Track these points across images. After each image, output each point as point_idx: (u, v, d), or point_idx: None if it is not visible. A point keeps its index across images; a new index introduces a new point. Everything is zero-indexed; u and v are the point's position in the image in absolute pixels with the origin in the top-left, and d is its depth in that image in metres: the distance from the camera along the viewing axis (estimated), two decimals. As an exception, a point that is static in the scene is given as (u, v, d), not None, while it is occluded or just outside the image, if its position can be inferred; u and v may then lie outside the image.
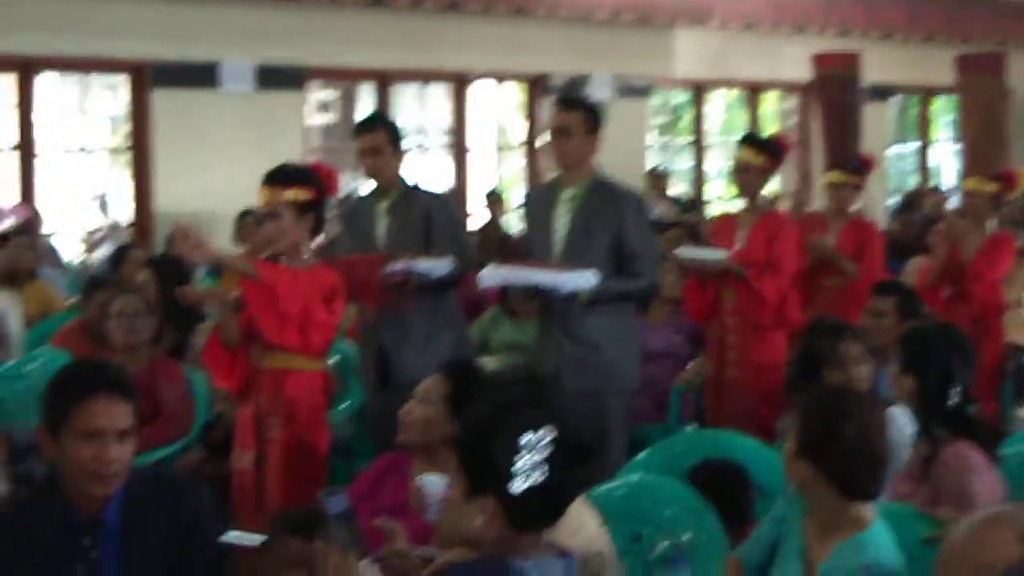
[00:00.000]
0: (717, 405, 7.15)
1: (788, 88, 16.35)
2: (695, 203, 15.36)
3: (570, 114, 6.35)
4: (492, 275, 6.28)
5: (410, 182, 6.84)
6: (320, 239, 6.46)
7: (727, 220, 7.78)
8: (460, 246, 6.71)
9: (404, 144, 6.93)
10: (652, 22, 14.43)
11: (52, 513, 3.63)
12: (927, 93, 18.14)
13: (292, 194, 5.54)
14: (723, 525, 4.57)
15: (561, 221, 6.33)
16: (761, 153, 7.39)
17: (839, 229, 8.18)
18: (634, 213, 6.36)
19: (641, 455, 5.37)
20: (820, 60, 10.70)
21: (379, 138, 6.64)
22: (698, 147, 16.25)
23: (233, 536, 3.74)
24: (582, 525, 3.83)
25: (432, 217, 6.62)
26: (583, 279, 5.96)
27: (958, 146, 14.59)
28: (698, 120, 16.12)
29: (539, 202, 6.64)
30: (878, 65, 15.13)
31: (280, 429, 5.46)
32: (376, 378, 6.66)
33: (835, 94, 10.26)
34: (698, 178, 16.38)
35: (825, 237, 8.10)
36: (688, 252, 7.59)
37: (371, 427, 6.84)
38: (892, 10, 16.41)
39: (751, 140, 7.72)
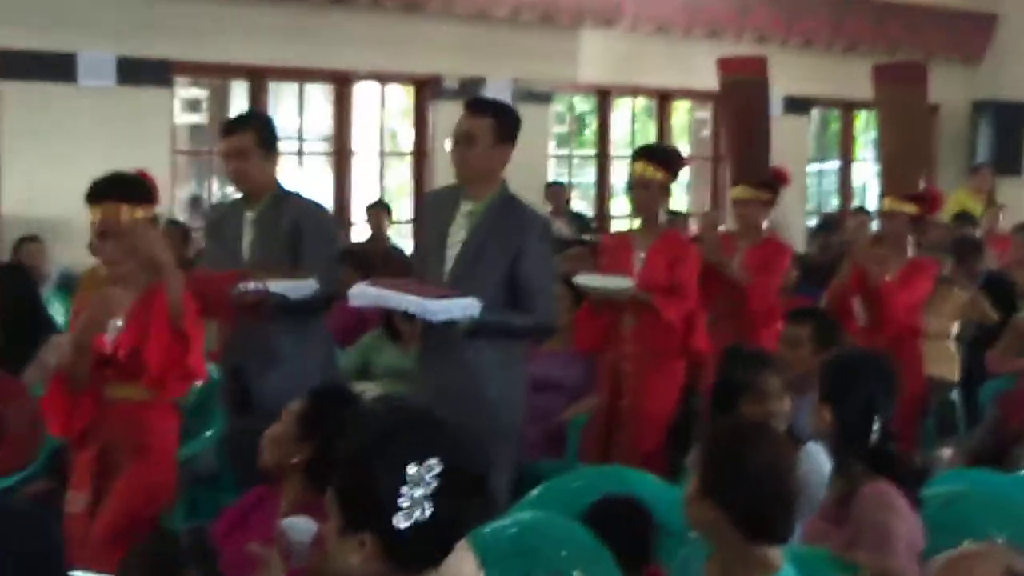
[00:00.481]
0: (610, 439, 7.13)
1: (701, 97, 16.41)
2: (599, 220, 15.42)
3: (478, 120, 6.16)
4: (361, 294, 6.14)
5: (286, 188, 6.72)
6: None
7: (620, 240, 7.83)
8: (327, 266, 6.57)
9: (277, 147, 6.77)
10: (556, 22, 14.51)
11: None
12: (849, 107, 18.35)
13: (143, 212, 5.50)
14: (622, 567, 4.60)
15: (456, 237, 6.15)
16: (660, 166, 7.33)
17: (745, 249, 8.10)
18: (537, 241, 6.19)
19: (534, 492, 5.38)
20: (725, 65, 10.69)
21: (247, 139, 6.49)
22: (603, 159, 16.17)
23: None
24: (459, 569, 3.82)
25: (302, 230, 6.48)
26: (462, 308, 5.82)
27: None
28: (603, 129, 16.13)
29: (436, 213, 6.47)
30: (797, 76, 15.32)
31: (127, 466, 5.39)
32: (233, 403, 6.60)
33: (742, 101, 10.28)
34: (602, 193, 16.29)
35: (731, 258, 8.01)
36: (590, 280, 7.52)
37: (230, 456, 6.73)
38: (812, 18, 16.63)
39: (648, 152, 7.71)
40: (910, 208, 8.71)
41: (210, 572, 3.32)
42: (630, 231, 7.72)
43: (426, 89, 14.07)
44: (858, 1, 17.40)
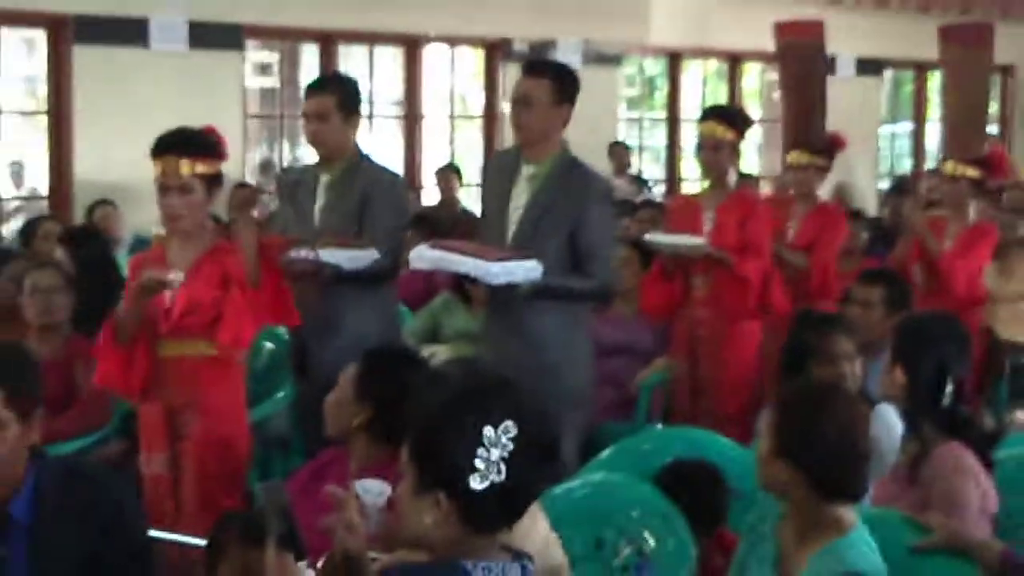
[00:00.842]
0: (688, 405, 7.09)
1: (772, 59, 16.28)
2: (670, 184, 15.40)
3: (536, 81, 6.08)
4: (420, 257, 5.95)
5: (363, 154, 6.60)
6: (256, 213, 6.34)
7: (687, 202, 7.79)
8: (391, 236, 6.43)
9: (359, 111, 6.64)
10: (624, -15, 14.48)
11: None
12: (921, 68, 18.15)
13: (204, 167, 5.46)
14: (693, 530, 4.59)
15: (518, 201, 6.07)
16: (729, 126, 7.26)
17: (802, 215, 8.05)
18: (599, 204, 6.11)
19: (605, 453, 5.36)
20: (782, 29, 10.67)
21: (328, 102, 6.36)
22: (673, 122, 16.21)
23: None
24: (530, 529, 3.82)
25: (371, 197, 6.37)
26: (523, 270, 5.69)
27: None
28: (674, 92, 16.13)
29: (498, 175, 6.38)
30: (869, 37, 15.22)
31: (194, 426, 5.35)
32: (296, 368, 6.59)
33: (799, 66, 10.25)
34: (673, 156, 16.32)
35: (787, 224, 7.99)
36: (661, 238, 7.39)
37: (297, 420, 6.76)
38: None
39: (717, 112, 7.62)
40: (972, 172, 8.53)
41: (291, 528, 3.31)
42: (699, 193, 7.63)
43: (496, 52, 14.08)
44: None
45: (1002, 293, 8.95)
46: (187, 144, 5.48)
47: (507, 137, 13.58)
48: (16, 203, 11.96)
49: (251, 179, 12.67)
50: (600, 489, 4.80)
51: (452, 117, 14.74)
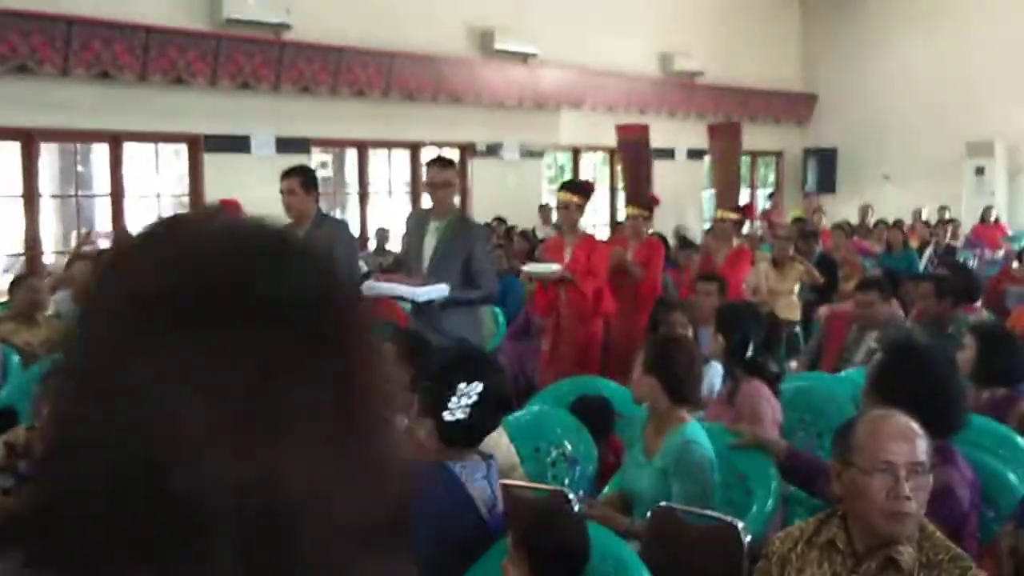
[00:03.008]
0: (553, 369, 6.97)
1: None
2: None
3: (448, 171, 6.13)
4: (370, 287, 5.93)
5: (323, 213, 6.52)
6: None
7: (556, 241, 7.75)
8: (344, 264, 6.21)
9: (316, 188, 6.50)
10: (545, 106, 14.45)
11: None
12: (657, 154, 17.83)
13: None
14: (593, 438, 4.61)
15: (429, 245, 6.04)
16: (575, 194, 7.27)
17: (635, 246, 8.02)
18: (479, 242, 6.15)
19: (539, 393, 5.41)
20: (621, 129, 10.80)
21: (294, 182, 6.28)
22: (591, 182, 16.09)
23: None
24: (498, 443, 3.83)
25: (333, 244, 6.07)
26: (437, 291, 5.74)
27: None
28: (575, 172, 15.97)
29: (415, 227, 6.29)
30: (691, 136, 15.24)
31: None
32: None
33: (632, 151, 10.39)
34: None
35: (625, 251, 7.96)
36: (533, 267, 7.60)
37: None
38: (677, 95, 16.60)
39: (567, 185, 7.58)
40: (734, 216, 9.03)
41: None
42: (562, 237, 7.60)
43: (467, 151, 14.01)
44: (690, 86, 17.30)
45: (778, 289, 9.04)
46: None
47: (474, 203, 13.61)
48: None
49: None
50: (537, 416, 4.80)
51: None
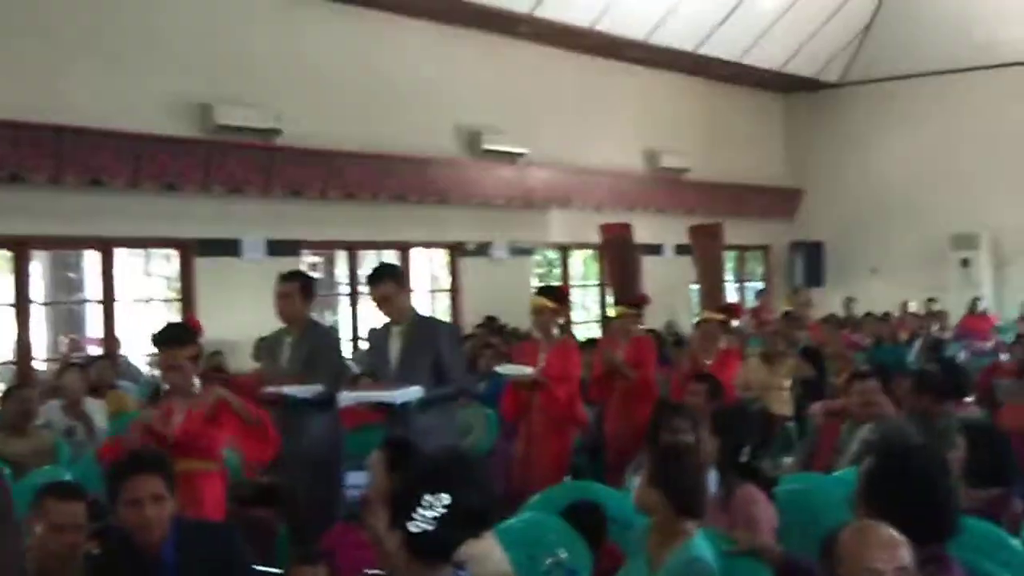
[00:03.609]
0: (523, 475, 6.87)
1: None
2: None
3: (386, 284, 6.06)
4: (346, 397, 5.96)
5: (314, 320, 6.49)
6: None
7: (529, 345, 7.55)
8: (330, 376, 6.19)
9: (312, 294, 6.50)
10: (533, 205, 14.60)
11: (127, 554, 3.61)
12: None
13: (189, 351, 5.31)
14: (588, 544, 4.57)
15: (394, 350, 6.02)
16: (551, 300, 7.22)
17: (624, 345, 7.95)
18: (447, 338, 6.13)
19: (532, 500, 5.35)
20: (605, 228, 10.86)
21: (291, 287, 6.28)
22: (566, 288, 16.13)
23: None
24: (489, 553, 3.80)
25: (319, 351, 6.24)
26: (412, 393, 5.74)
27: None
28: (565, 269, 16.09)
29: (377, 338, 6.34)
30: (678, 232, 15.38)
31: None
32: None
33: (618, 249, 10.40)
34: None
35: (616, 351, 7.91)
36: (506, 369, 7.38)
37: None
38: (664, 192, 16.74)
39: (543, 290, 7.51)
40: (719, 316, 8.91)
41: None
42: (535, 340, 7.43)
43: (456, 250, 14.11)
44: (677, 182, 17.46)
45: (770, 384, 9.02)
46: (179, 338, 5.36)
47: (465, 303, 13.67)
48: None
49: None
50: (530, 523, 4.76)
51: (432, 291, 14.66)
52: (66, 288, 11.67)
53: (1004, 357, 10.35)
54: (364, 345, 12.65)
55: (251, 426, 5.16)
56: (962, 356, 11.32)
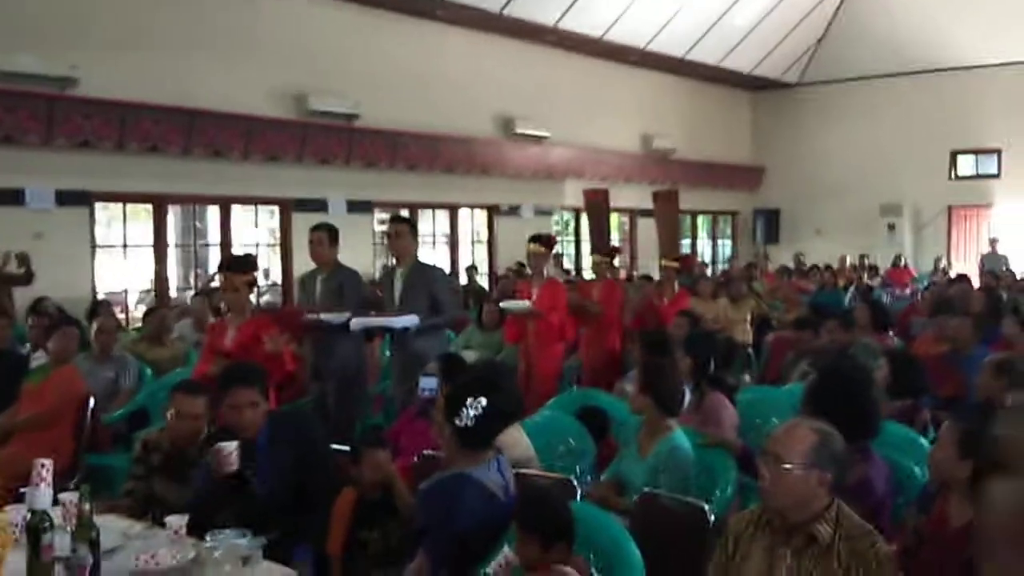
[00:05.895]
0: (526, 387, 6.64)
1: (626, 212, 16.32)
2: (568, 270, 15.38)
3: (401, 225, 5.97)
4: (356, 322, 5.73)
5: (339, 263, 6.10)
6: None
7: (524, 284, 7.37)
8: (355, 305, 5.90)
9: (336, 240, 6.14)
10: (553, 176, 14.50)
11: (230, 438, 3.47)
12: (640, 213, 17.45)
13: (246, 278, 5.18)
14: (592, 438, 4.59)
15: (398, 287, 5.87)
16: (542, 245, 7.03)
17: (599, 287, 7.70)
18: (440, 280, 5.96)
19: (550, 402, 5.36)
20: (587, 193, 10.77)
21: (322, 235, 6.03)
22: (577, 242, 16.07)
23: None
24: (518, 440, 3.83)
25: (345, 287, 5.96)
26: (410, 320, 5.62)
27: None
28: (577, 228, 16.00)
29: (386, 276, 6.23)
30: (641, 198, 15.30)
31: None
32: (314, 374, 6.15)
33: (596, 210, 10.38)
34: (578, 255, 16.14)
35: (588, 296, 7.66)
36: (508, 303, 7.20)
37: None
38: (656, 168, 16.58)
39: (534, 238, 7.18)
40: (675, 264, 8.80)
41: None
42: (531, 278, 7.23)
43: (493, 211, 14.07)
44: (666, 160, 17.30)
45: (735, 318, 9.00)
46: (238, 266, 5.24)
47: (500, 252, 13.64)
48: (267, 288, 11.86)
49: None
50: (549, 419, 4.77)
51: (473, 242, 14.62)
52: (193, 235, 11.72)
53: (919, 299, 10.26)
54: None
55: (272, 354, 4.98)
56: (886, 299, 11.23)
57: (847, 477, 2.59)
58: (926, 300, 9.65)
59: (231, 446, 3.37)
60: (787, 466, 2.42)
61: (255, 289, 5.33)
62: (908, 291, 13.31)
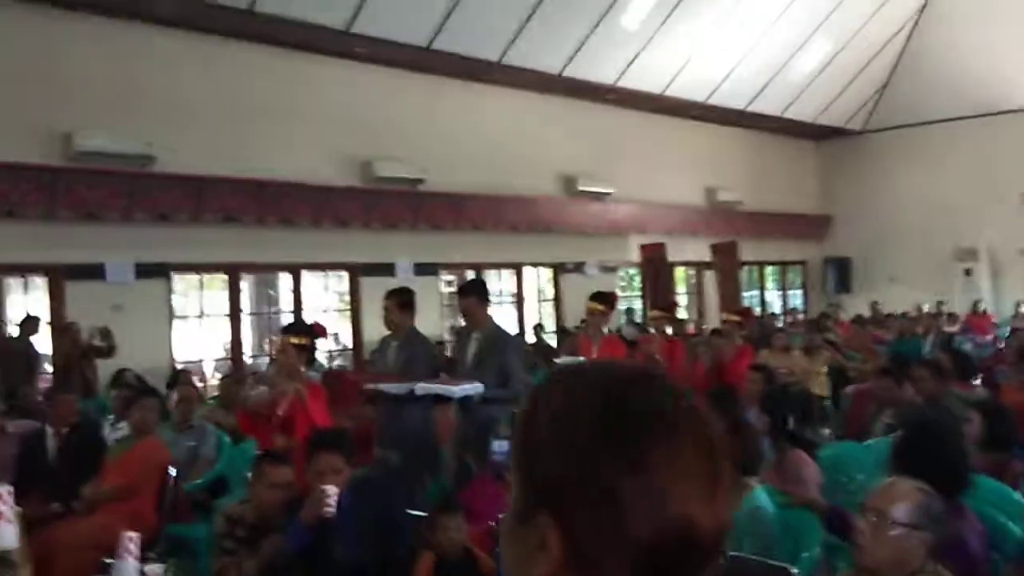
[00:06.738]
0: None
1: (692, 265, 16.23)
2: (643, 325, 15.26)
3: (468, 299, 5.81)
4: (420, 388, 5.47)
5: (414, 329, 5.85)
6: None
7: (584, 339, 7.29)
8: (422, 373, 5.69)
9: (412, 306, 5.92)
10: (617, 232, 14.52)
11: None
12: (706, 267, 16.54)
13: (299, 340, 5.18)
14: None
15: (470, 353, 5.74)
16: (601, 303, 6.97)
17: (659, 343, 7.62)
18: (513, 350, 5.79)
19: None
20: (644, 248, 10.64)
21: (391, 303, 5.84)
22: (644, 299, 15.95)
23: None
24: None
25: (415, 357, 5.73)
26: (472, 388, 5.40)
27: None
28: (644, 283, 15.91)
29: (459, 338, 6.08)
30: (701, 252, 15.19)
31: None
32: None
33: (655, 265, 10.23)
34: (644, 310, 16.01)
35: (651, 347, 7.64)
36: (564, 360, 7.03)
37: None
38: (721, 221, 16.46)
39: (594, 296, 7.12)
40: (735, 318, 8.50)
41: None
42: (588, 335, 7.16)
43: (557, 269, 14.12)
44: (731, 212, 17.18)
45: (809, 370, 8.83)
46: (292, 329, 5.31)
47: (567, 310, 13.62)
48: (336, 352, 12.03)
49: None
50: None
51: (539, 300, 14.65)
52: (266, 301, 11.99)
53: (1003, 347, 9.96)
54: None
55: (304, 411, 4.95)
56: (967, 347, 10.91)
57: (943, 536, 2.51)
58: (1011, 347, 9.35)
59: (333, 489, 3.40)
60: (892, 523, 2.38)
61: (308, 353, 5.35)
62: (990, 338, 12.92)
